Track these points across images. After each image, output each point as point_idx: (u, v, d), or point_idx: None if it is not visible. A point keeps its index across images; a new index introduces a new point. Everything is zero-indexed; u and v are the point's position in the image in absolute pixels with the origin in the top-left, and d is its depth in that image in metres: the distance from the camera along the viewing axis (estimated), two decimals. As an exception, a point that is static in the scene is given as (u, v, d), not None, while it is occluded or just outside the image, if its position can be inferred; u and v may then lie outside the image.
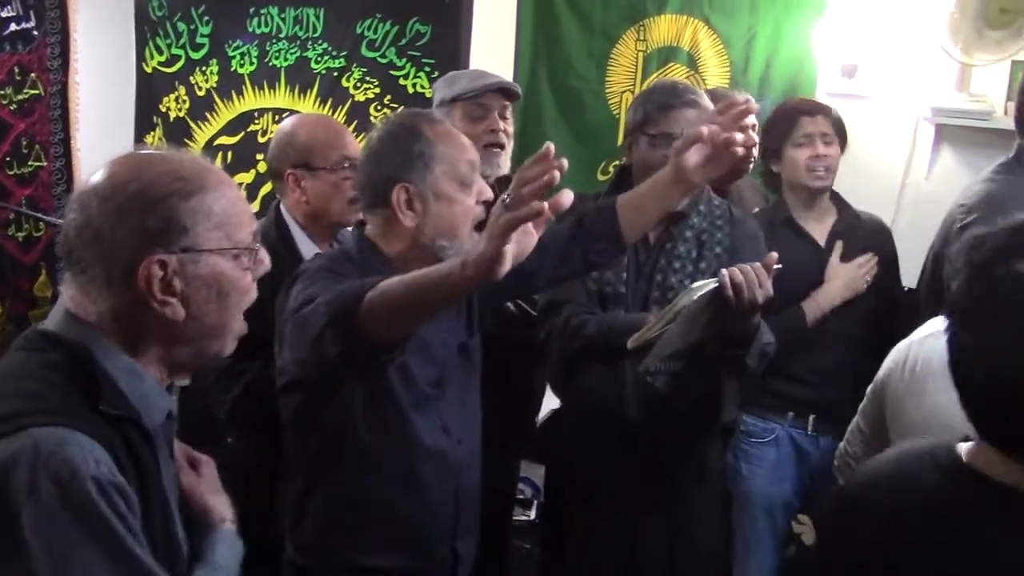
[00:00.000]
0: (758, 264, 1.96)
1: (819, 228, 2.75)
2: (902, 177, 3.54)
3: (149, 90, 4.38)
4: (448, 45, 3.81)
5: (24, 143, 3.92)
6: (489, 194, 1.86)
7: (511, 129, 2.70)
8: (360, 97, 3.97)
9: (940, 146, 3.52)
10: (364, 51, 3.94)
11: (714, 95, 3.00)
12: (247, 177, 4.17)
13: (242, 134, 4.23)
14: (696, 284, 1.96)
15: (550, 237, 1.96)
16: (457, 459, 1.91)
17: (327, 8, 4.00)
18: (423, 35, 3.86)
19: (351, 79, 3.98)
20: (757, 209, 2.94)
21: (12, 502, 1.02)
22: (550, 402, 2.77)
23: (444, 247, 1.79)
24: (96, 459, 1.06)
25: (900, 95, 3.51)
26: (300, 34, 4.05)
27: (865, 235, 2.76)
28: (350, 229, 2.04)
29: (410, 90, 3.91)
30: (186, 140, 4.29)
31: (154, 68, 4.34)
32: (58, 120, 4.05)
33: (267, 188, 3.99)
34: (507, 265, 1.35)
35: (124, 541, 1.05)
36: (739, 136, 1.84)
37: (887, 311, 2.69)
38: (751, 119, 3.02)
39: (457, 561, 1.96)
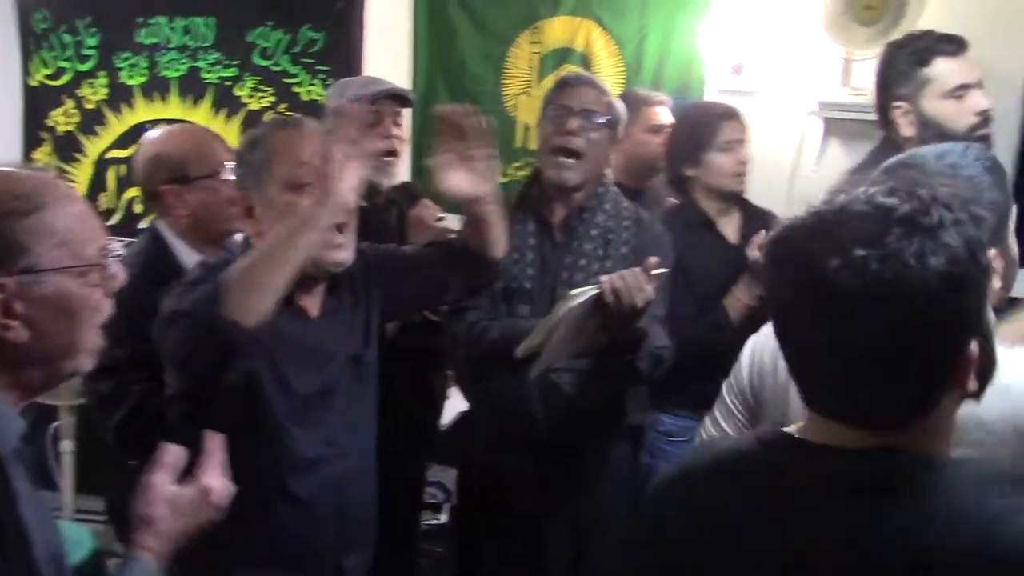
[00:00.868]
0: (637, 269, 2.00)
1: (729, 227, 2.80)
2: (792, 170, 3.63)
3: (35, 104, 4.24)
4: (342, 52, 3.78)
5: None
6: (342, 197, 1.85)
7: (404, 136, 2.69)
8: (254, 106, 3.92)
9: (828, 139, 3.62)
10: (256, 59, 3.89)
11: (628, 98, 3.06)
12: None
13: (134, 147, 4.10)
14: (575, 291, 2.00)
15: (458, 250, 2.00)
16: (341, 472, 1.89)
17: (217, 17, 3.93)
18: (316, 42, 3.83)
19: (244, 88, 3.92)
20: (665, 209, 2.99)
21: None
22: (458, 404, 2.77)
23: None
24: None
25: (787, 91, 3.60)
26: (190, 44, 3.97)
27: (767, 228, 2.82)
28: (239, 237, 2.01)
29: (305, 97, 3.87)
30: (76, 155, 4.18)
31: (40, 82, 4.21)
32: (-58, 137, 3.91)
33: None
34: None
35: None
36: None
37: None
38: (666, 118, 3.08)
39: None
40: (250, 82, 3.91)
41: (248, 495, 1.77)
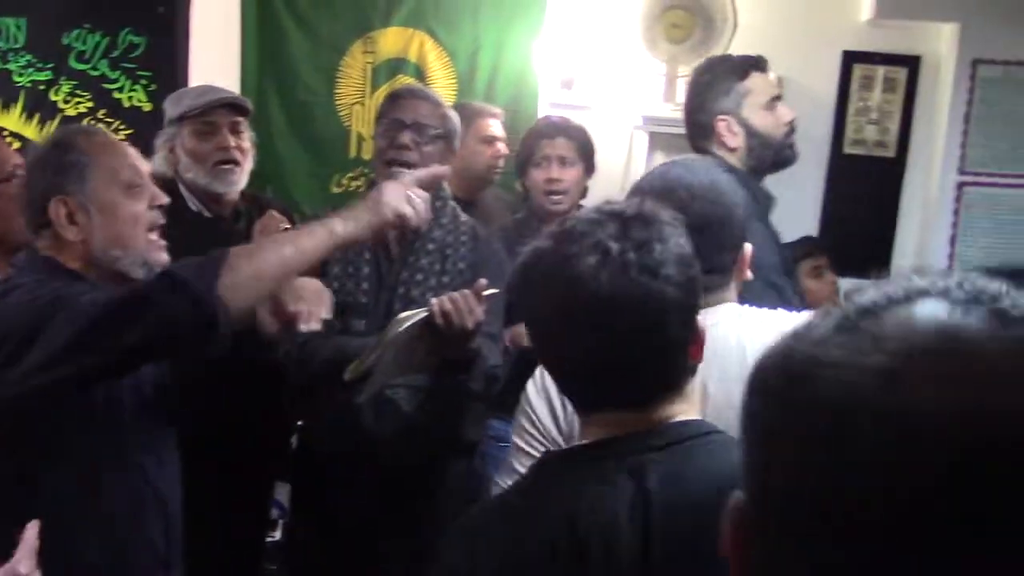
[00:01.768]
0: (468, 291, 2.01)
1: None
2: (621, 182, 3.74)
3: None
4: (165, 57, 3.65)
5: None
6: (164, 199, 1.81)
7: (246, 144, 2.65)
8: (71, 111, 3.72)
9: (654, 152, 3.76)
10: (73, 63, 3.70)
11: (461, 110, 3.09)
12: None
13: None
14: (404, 314, 2.00)
15: None
16: (165, 494, 1.83)
17: (29, 17, 3.72)
18: (137, 46, 3.67)
19: (60, 92, 3.72)
20: (510, 219, 3.05)
21: None
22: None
23: (117, 257, 1.74)
24: None
25: (614, 105, 3.72)
26: (0, 45, 3.74)
27: None
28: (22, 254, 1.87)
29: (126, 104, 3.70)
30: None
31: None
32: None
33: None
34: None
35: None
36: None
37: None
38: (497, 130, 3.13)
39: None
40: (66, 86, 3.71)
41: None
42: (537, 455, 1.60)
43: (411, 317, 1.97)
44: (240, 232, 2.62)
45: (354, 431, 2.25)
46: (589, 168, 3.01)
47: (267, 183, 3.71)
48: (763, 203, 2.43)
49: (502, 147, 3.16)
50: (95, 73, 3.70)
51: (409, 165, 2.30)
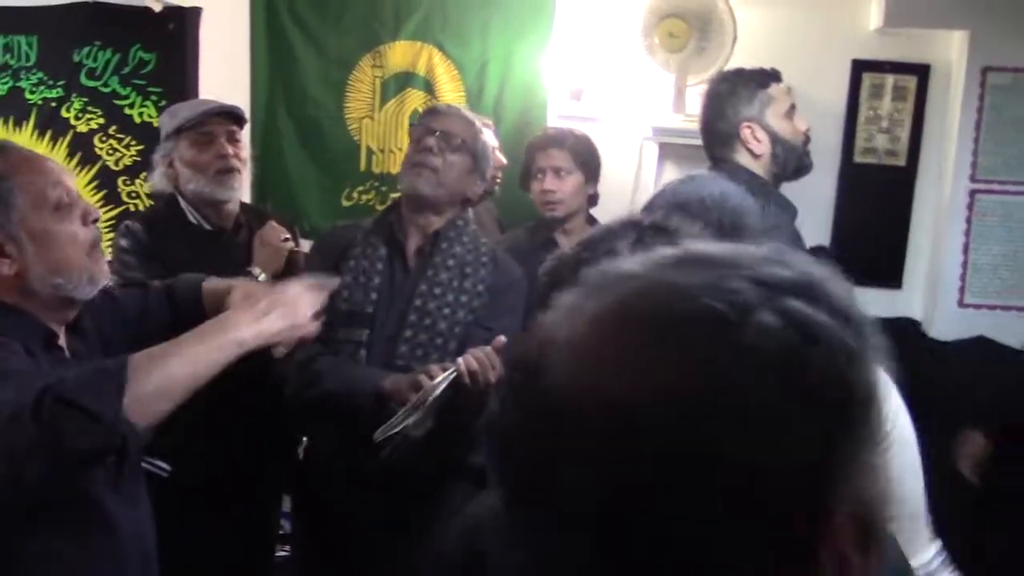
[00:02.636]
0: (490, 349, 2.08)
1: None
2: (632, 193, 3.74)
3: None
4: (175, 73, 3.66)
5: None
6: (97, 213, 1.71)
7: (244, 153, 2.69)
8: (83, 128, 3.73)
9: (664, 163, 3.76)
10: (84, 80, 3.71)
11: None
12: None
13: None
14: (437, 379, 2.05)
15: None
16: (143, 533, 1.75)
17: (40, 36, 3.74)
18: (147, 63, 3.69)
19: (71, 109, 3.74)
20: (521, 227, 3.09)
21: None
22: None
23: (60, 284, 1.62)
24: None
25: (624, 116, 3.72)
26: (12, 63, 3.76)
27: None
28: None
29: (137, 120, 3.71)
30: None
31: None
32: None
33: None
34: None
35: None
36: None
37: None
38: (493, 142, 3.13)
39: None
40: (77, 103, 3.73)
41: None
42: None
43: (443, 380, 2.04)
44: (241, 244, 2.64)
45: (359, 453, 2.22)
46: (590, 175, 3.04)
47: (277, 197, 3.74)
48: (789, 211, 2.44)
49: (499, 156, 3.16)
50: (106, 90, 3.72)
51: (431, 169, 2.33)
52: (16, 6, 3.72)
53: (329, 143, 3.82)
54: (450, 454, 2.27)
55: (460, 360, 2.08)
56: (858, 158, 3.71)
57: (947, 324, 3.60)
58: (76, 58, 3.71)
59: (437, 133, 2.37)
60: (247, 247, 2.62)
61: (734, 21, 3.46)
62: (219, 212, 2.62)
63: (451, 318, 2.31)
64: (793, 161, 2.46)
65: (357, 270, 2.36)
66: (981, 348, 3.56)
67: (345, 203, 3.80)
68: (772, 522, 0.54)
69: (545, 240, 2.94)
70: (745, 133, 2.43)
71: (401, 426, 2.02)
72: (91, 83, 3.72)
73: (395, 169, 3.52)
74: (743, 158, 2.44)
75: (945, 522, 1.53)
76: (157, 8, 3.50)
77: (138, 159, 3.66)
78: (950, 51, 3.64)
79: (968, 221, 3.59)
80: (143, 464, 1.86)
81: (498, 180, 3.19)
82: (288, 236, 2.67)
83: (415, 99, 3.75)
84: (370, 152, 3.81)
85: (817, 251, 3.32)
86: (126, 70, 3.70)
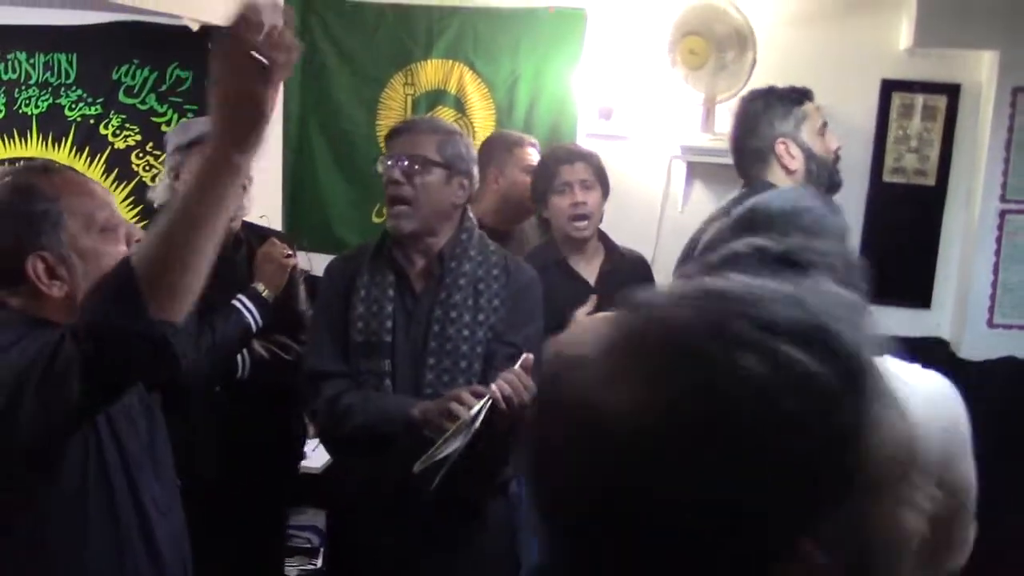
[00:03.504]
0: (519, 369, 2.08)
1: (588, 268, 2.89)
2: (659, 211, 3.76)
3: None
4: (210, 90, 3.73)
5: None
6: (140, 233, 1.68)
7: (252, 174, 2.70)
8: (120, 145, 3.81)
9: (692, 181, 3.77)
10: (122, 97, 3.80)
11: (500, 139, 3.10)
12: None
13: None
14: (474, 409, 2.04)
15: None
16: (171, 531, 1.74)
17: (79, 53, 3.83)
18: (184, 80, 3.77)
19: (109, 126, 3.82)
20: (529, 248, 3.06)
21: None
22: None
23: None
24: None
25: (653, 135, 3.74)
26: (52, 80, 3.85)
27: (628, 270, 2.91)
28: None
29: (173, 137, 3.78)
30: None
31: None
32: None
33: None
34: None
35: None
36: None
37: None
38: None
39: None
40: (115, 120, 3.81)
41: None
42: None
43: (479, 408, 2.03)
44: (241, 260, 2.67)
45: (393, 467, 2.21)
46: (605, 192, 3.00)
47: (308, 213, 3.79)
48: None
49: None
50: (143, 107, 3.80)
51: (404, 199, 2.27)
52: (56, 24, 3.81)
53: (360, 159, 3.86)
54: (488, 473, 2.27)
55: (493, 386, 2.06)
56: (887, 177, 3.71)
57: (976, 344, 3.59)
58: (115, 76, 3.79)
59: (401, 160, 2.29)
60: (248, 264, 2.65)
61: (753, 39, 3.48)
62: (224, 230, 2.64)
63: (471, 339, 2.28)
64: (826, 178, 2.46)
65: (368, 300, 2.31)
66: (1010, 369, 3.55)
67: (376, 219, 3.84)
68: (731, 556, 0.59)
69: (557, 259, 2.87)
70: (780, 149, 2.43)
71: (442, 455, 2.02)
72: (129, 100, 3.80)
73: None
74: (777, 175, 2.43)
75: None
76: (195, 27, 3.56)
77: (174, 175, 3.73)
78: (980, 71, 3.64)
79: (998, 241, 3.58)
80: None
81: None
82: (291, 253, 2.70)
83: (446, 116, 3.78)
84: (401, 169, 3.85)
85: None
86: (163, 87, 3.78)
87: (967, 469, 1.55)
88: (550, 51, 3.75)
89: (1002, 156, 3.55)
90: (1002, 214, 3.57)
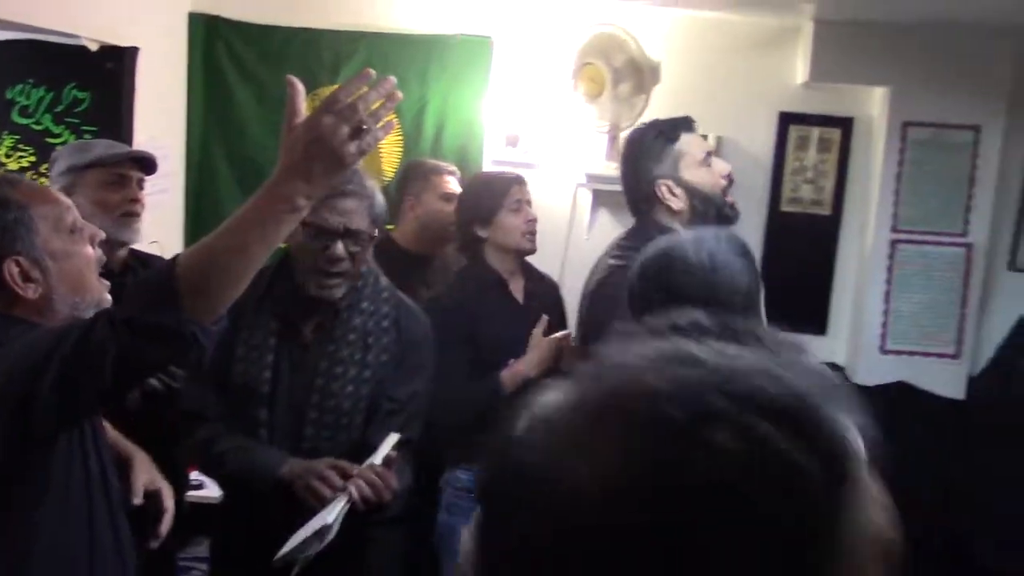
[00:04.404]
0: (381, 469, 2.09)
1: (517, 288, 2.91)
2: (566, 238, 3.80)
3: None
4: (110, 112, 3.63)
5: None
6: (101, 234, 1.80)
7: (144, 200, 2.68)
8: (13, 165, 3.68)
9: (598, 208, 3.83)
10: (16, 117, 3.67)
11: (417, 167, 3.10)
12: None
13: None
14: (331, 510, 2.02)
15: None
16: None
17: (-28, 72, 3.70)
18: (82, 101, 3.66)
19: (2, 147, 3.69)
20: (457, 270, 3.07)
21: None
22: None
23: (78, 303, 1.71)
24: None
25: (559, 163, 3.79)
26: (-59, 99, 3.71)
27: (546, 292, 2.97)
28: None
29: (70, 159, 3.68)
30: None
31: None
32: None
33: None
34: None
35: None
36: None
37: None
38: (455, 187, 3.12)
39: None
40: (8, 141, 3.69)
41: None
42: None
43: (335, 511, 2.02)
44: (128, 286, 2.61)
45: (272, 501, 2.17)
46: None
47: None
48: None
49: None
50: (38, 128, 3.68)
51: (342, 275, 2.20)
52: (-53, 41, 3.68)
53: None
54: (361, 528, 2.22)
55: (352, 489, 2.05)
56: (785, 207, 3.83)
57: (871, 370, 3.71)
58: (8, 95, 3.66)
59: (344, 234, 2.18)
60: None
61: (651, 70, 3.55)
62: (112, 254, 2.58)
63: (354, 395, 2.22)
64: (713, 210, 2.46)
65: (249, 344, 2.23)
66: (901, 393, 3.67)
67: (281, 245, 3.78)
68: None
69: (496, 280, 2.87)
70: (662, 191, 2.45)
71: (301, 555, 2.01)
72: (23, 120, 3.68)
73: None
74: (662, 215, 2.47)
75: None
76: (93, 47, 3.48)
77: (70, 197, 3.62)
78: (872, 106, 3.79)
79: (889, 270, 3.71)
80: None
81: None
82: None
83: (352, 142, 3.77)
84: (307, 194, 3.81)
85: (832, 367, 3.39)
86: (59, 108, 3.67)
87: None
88: (458, 78, 3.77)
89: (893, 187, 3.69)
90: (893, 243, 3.71)
